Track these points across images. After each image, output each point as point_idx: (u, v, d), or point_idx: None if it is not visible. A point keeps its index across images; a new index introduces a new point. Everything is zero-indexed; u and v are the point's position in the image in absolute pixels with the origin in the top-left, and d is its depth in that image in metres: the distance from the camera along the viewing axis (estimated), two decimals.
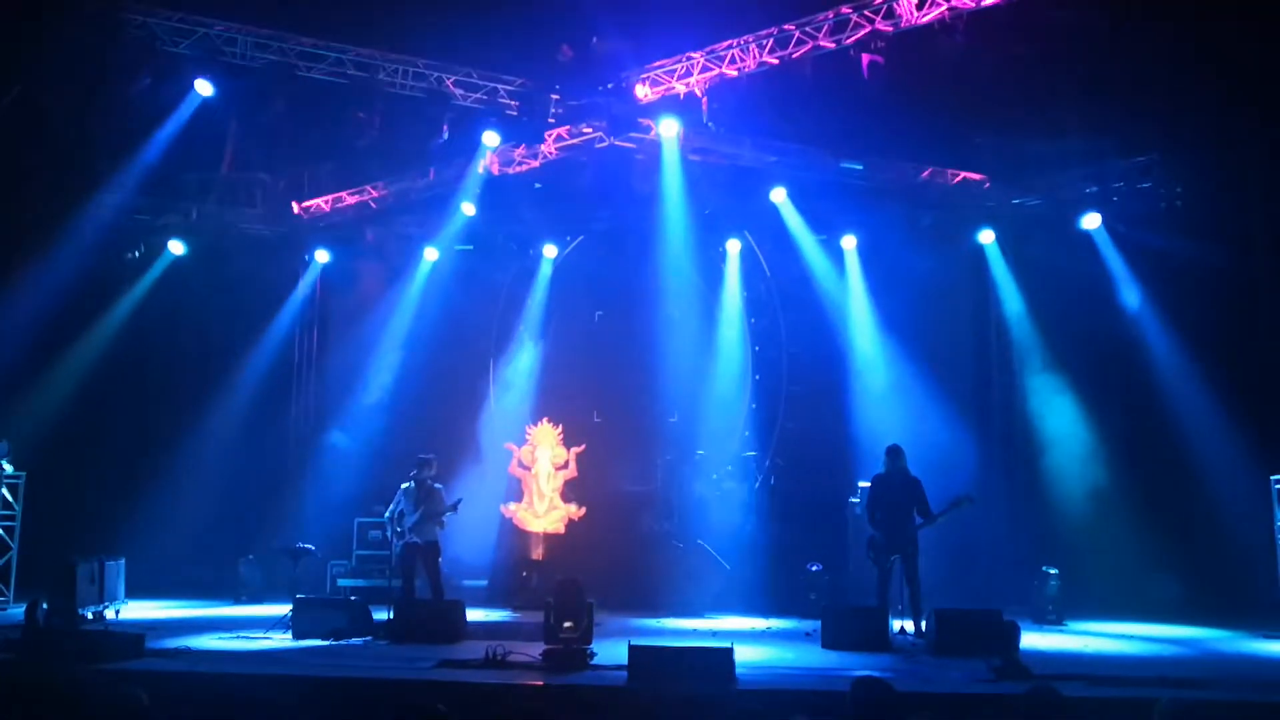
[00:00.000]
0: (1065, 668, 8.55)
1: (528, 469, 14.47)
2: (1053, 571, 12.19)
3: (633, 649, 7.92)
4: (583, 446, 14.49)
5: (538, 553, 14.05)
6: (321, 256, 15.58)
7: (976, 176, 13.91)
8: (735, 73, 12.65)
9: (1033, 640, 9.94)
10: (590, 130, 13.80)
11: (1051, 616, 11.93)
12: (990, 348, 14.43)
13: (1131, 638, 10.93)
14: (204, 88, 12.87)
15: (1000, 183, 13.82)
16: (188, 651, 9.00)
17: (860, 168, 14.02)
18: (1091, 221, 13.47)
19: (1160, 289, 13.02)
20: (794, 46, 12.15)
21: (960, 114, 13.36)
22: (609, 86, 12.93)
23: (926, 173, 13.93)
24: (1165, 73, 11.41)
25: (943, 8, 11.26)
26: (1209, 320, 12.63)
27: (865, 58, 11.93)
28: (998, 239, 14.29)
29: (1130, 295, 13.22)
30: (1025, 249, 14.18)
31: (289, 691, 7.24)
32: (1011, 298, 14.19)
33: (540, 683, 7.78)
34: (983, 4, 11.11)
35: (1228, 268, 12.12)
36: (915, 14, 11.47)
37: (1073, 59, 11.98)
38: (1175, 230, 12.72)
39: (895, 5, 11.54)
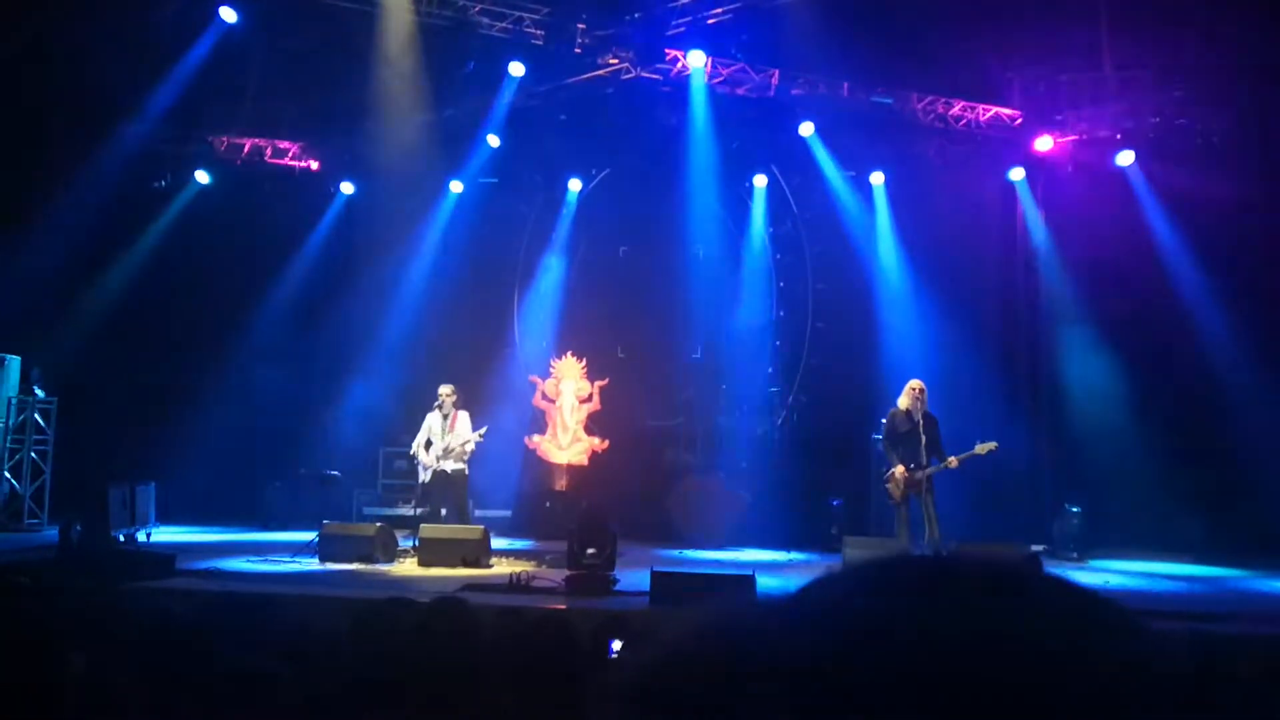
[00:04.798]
0: None
1: (552, 402, 14.54)
2: (1075, 509, 12.21)
3: (655, 574, 8.02)
4: (606, 380, 14.52)
5: (561, 484, 14.16)
6: (346, 188, 15.57)
7: (1008, 112, 13.67)
8: (766, 3, 12.44)
9: None
10: (617, 61, 13.62)
11: (1073, 554, 11.97)
12: (1018, 285, 14.28)
13: (1154, 575, 10.95)
14: (228, 15, 12.78)
15: (1032, 118, 13.57)
16: (218, 572, 9.16)
17: (890, 102, 13.81)
18: (1125, 159, 13.25)
19: (1194, 226, 12.82)
20: None
21: (993, 48, 13.14)
22: (636, 16, 12.76)
23: (957, 108, 13.71)
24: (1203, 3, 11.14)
25: None
26: (1242, 258, 12.46)
27: None
28: (1028, 176, 14.10)
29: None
30: (1056, 186, 13.98)
31: (318, 609, 7.35)
32: (1041, 236, 14.04)
33: (564, 606, 7.89)
34: None
35: (1266, 205, 11.91)
36: None
37: None
38: (1212, 167, 12.48)
39: None
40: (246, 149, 15.08)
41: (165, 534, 12.26)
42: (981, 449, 10.33)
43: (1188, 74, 12.57)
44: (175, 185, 15.06)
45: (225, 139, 14.99)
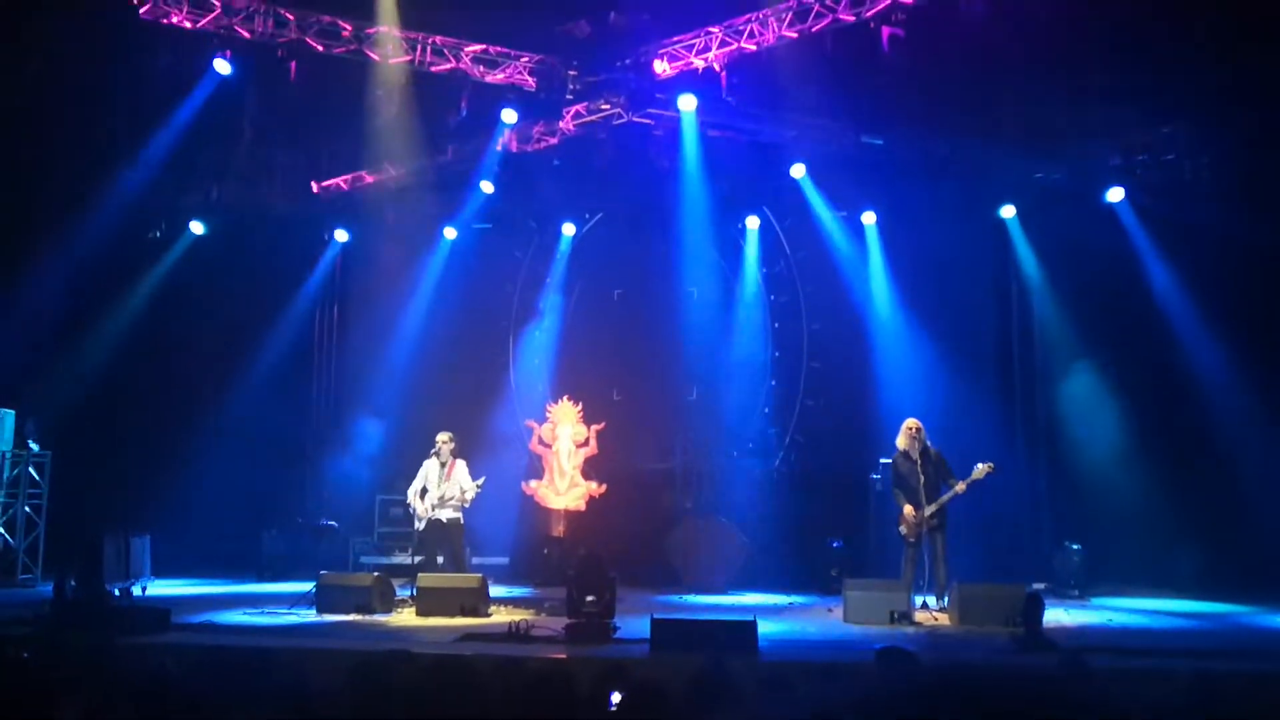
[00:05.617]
0: (1091, 641, 8.53)
1: (548, 446, 14.49)
2: (1075, 546, 12.16)
3: (655, 622, 7.94)
4: (603, 424, 14.48)
5: (559, 530, 14.08)
6: (340, 236, 15.61)
7: (997, 149, 13.74)
8: (754, 47, 12.56)
9: (1056, 615, 9.92)
10: (609, 106, 13.71)
11: (1074, 591, 11.90)
12: (1012, 323, 14.31)
13: (1156, 612, 10.87)
14: (222, 66, 12.86)
15: (1022, 156, 13.66)
16: (214, 626, 9.07)
17: (880, 142, 13.89)
18: (1115, 195, 13.32)
19: (1187, 262, 12.86)
20: (813, 19, 12.05)
21: (981, 86, 13.23)
22: (627, 62, 12.87)
23: (945, 146, 13.78)
24: (1188, 36, 11.23)
25: None
26: (1235, 292, 12.46)
27: (885, 30, 11.88)
28: (1019, 213, 14.16)
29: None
30: (1047, 223, 14.03)
31: (315, 663, 7.28)
32: (1033, 272, 14.07)
33: (563, 655, 7.81)
34: None
35: (1255, 238, 11.94)
36: None
37: (1094, 26, 11.83)
38: (1201, 201, 12.54)
39: None
40: (241, 198, 15.09)
41: (161, 587, 12.17)
42: (979, 472, 10.37)
43: (1175, 110, 12.66)
44: (170, 235, 15.06)
45: (220, 188, 15.01)
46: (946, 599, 10.21)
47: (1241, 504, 12.04)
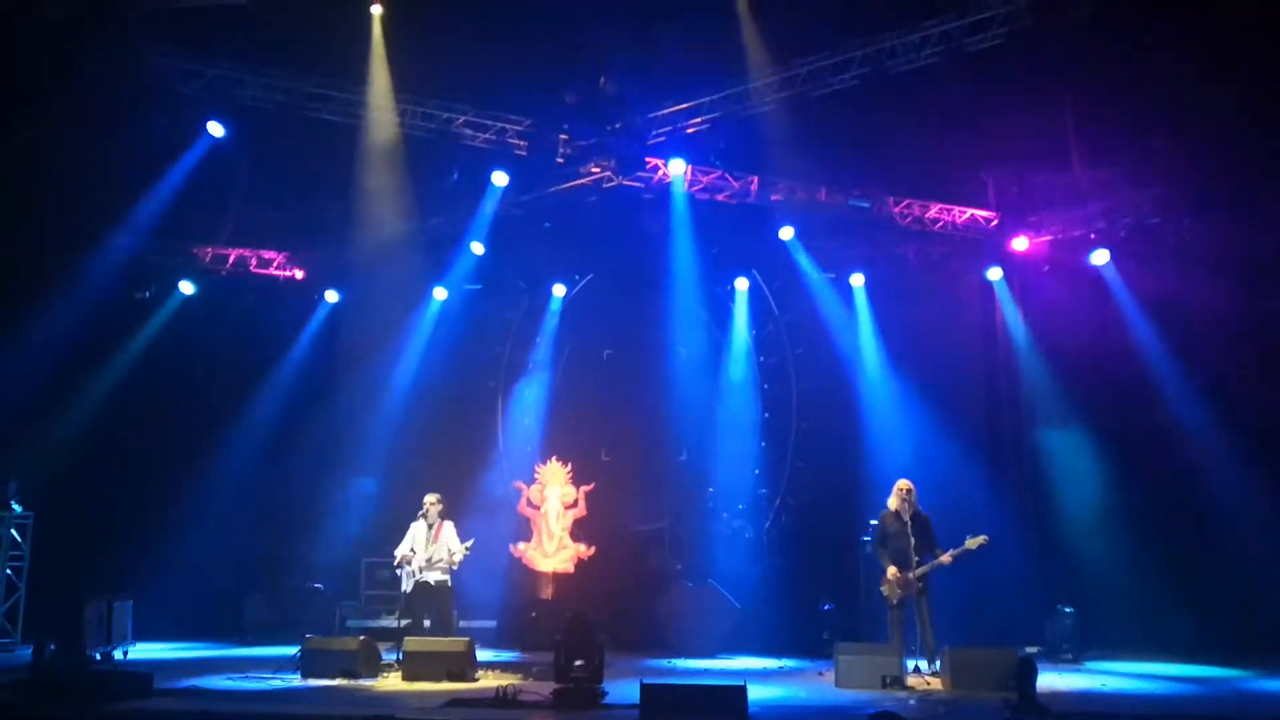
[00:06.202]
0: (1084, 706, 8.45)
1: (537, 508, 14.40)
2: (1068, 610, 12.10)
3: (645, 687, 7.84)
4: (592, 485, 14.40)
5: (547, 592, 13.94)
6: (331, 296, 15.64)
7: (984, 213, 13.92)
8: (743, 112, 12.72)
9: (1049, 680, 9.81)
10: (599, 170, 13.84)
11: (1067, 655, 11.83)
12: (1000, 384, 14.37)
13: (1149, 677, 10.79)
14: (216, 129, 12.97)
15: (1008, 219, 13.81)
16: (197, 691, 8.93)
17: (868, 205, 14.03)
18: (1100, 258, 13.45)
19: (1172, 324, 12.96)
20: (801, 85, 12.22)
21: (968, 151, 13.44)
22: (617, 126, 13.01)
23: (934, 210, 13.94)
24: (1172, 103, 11.43)
25: (942, 48, 11.40)
26: (1220, 353, 12.56)
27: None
28: (1006, 276, 14.28)
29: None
30: (1034, 286, 14.16)
31: None
32: (1020, 335, 14.16)
33: None
34: (979, 47, 11.26)
35: (1238, 300, 12.06)
36: (919, 55, 11.58)
37: (1077, 92, 12.05)
38: (1187, 265, 12.66)
39: (899, 47, 11.64)
40: (232, 259, 15.18)
41: (143, 651, 11.99)
42: (972, 543, 10.30)
43: (1159, 174, 12.83)
44: (159, 296, 15.06)
45: (210, 249, 15.08)
46: (938, 663, 10.11)
47: (1233, 566, 12.03)
